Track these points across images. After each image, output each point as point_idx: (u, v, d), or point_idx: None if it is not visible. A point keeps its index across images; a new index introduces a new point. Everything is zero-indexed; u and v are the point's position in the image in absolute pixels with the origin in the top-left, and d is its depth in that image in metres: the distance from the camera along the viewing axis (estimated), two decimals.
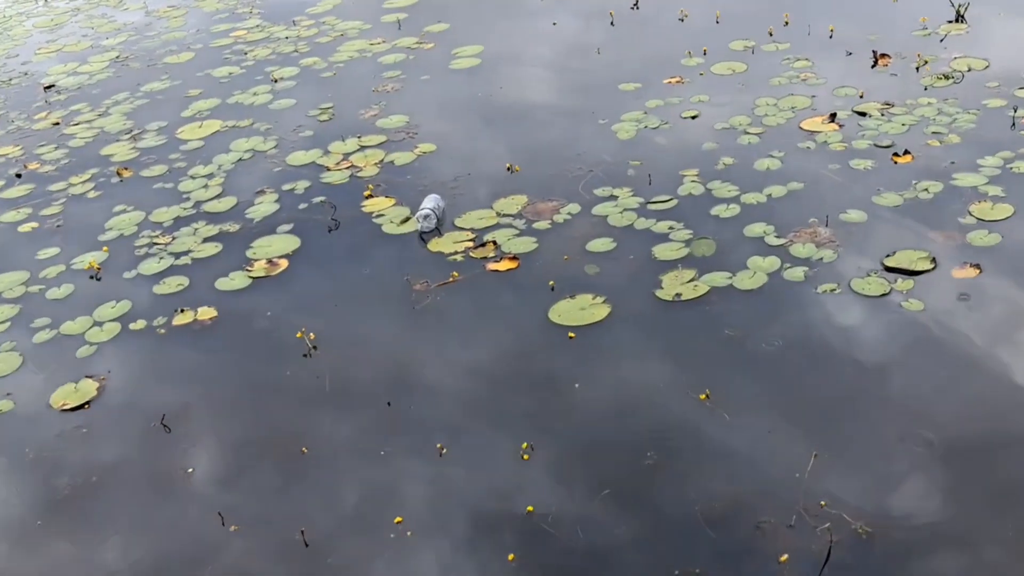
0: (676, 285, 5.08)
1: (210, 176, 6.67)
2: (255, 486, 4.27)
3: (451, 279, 5.34)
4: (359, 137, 6.91)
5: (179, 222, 6.20)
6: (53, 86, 8.40)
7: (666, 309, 4.95)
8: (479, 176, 6.34)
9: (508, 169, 6.32)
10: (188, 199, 6.42)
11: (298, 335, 4.97)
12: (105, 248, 5.97)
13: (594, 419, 4.38)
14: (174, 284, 5.57)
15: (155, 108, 7.83)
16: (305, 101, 7.61)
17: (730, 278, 5.07)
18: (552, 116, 6.96)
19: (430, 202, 5.89)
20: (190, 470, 4.32)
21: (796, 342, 4.64)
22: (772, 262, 5.12)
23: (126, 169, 6.88)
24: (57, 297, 5.61)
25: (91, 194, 6.67)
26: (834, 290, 4.88)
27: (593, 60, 7.78)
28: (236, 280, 5.56)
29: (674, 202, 5.79)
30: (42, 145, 7.42)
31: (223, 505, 4.16)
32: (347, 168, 6.58)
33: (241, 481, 4.31)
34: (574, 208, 5.82)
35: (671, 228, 5.52)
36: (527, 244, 5.56)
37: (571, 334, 4.84)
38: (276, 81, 7.96)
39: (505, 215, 5.86)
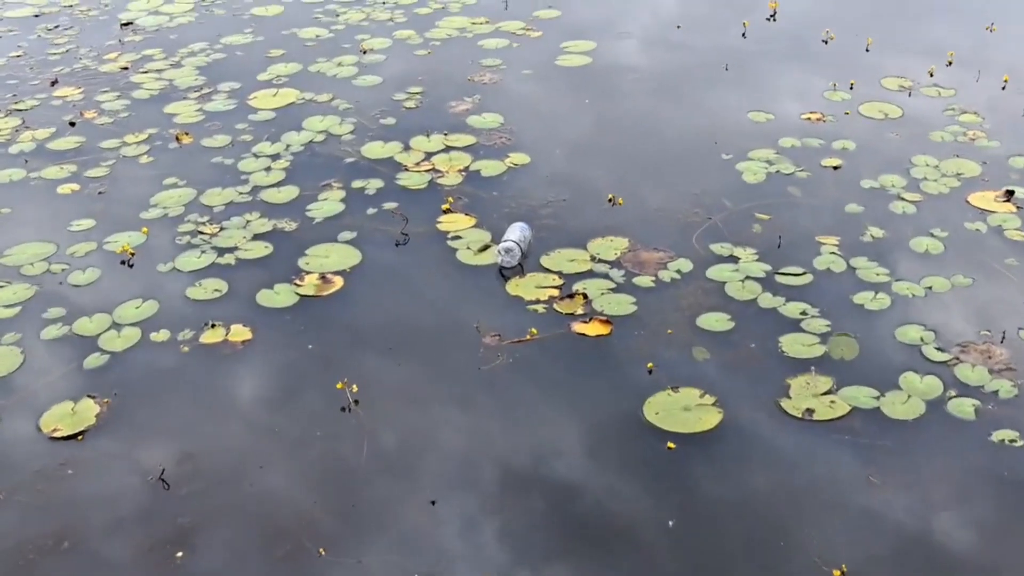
0: (807, 396, 3.96)
1: (275, 157, 5.67)
2: None
3: (528, 337, 4.29)
4: (445, 134, 5.85)
5: (231, 209, 5.22)
6: (131, 23, 7.45)
7: (792, 429, 3.82)
8: (576, 204, 5.24)
9: (610, 201, 5.22)
10: (246, 182, 5.42)
11: (339, 386, 4.05)
12: (144, 229, 5.01)
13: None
14: (211, 289, 4.61)
15: (231, 65, 6.83)
16: (392, 80, 6.56)
17: (878, 399, 3.91)
18: (667, 141, 5.79)
19: (515, 233, 4.81)
20: (179, 555, 3.40)
21: (965, 511, 3.47)
22: (932, 385, 3.95)
23: (186, 134, 5.94)
24: (79, 283, 4.66)
25: (144, 159, 5.72)
26: (1014, 441, 3.76)
27: (720, 77, 6.56)
28: (281, 295, 4.57)
29: (808, 277, 4.63)
30: (105, 91, 6.46)
31: None
32: (427, 171, 5.53)
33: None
34: (684, 265, 4.71)
35: (804, 314, 4.36)
36: (624, 304, 4.47)
37: (670, 444, 3.77)
38: (364, 52, 6.91)
39: (601, 260, 4.76)
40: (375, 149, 5.73)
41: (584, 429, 3.83)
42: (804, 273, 4.62)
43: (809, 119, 5.96)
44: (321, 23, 7.46)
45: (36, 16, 7.68)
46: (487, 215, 5.12)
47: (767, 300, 4.46)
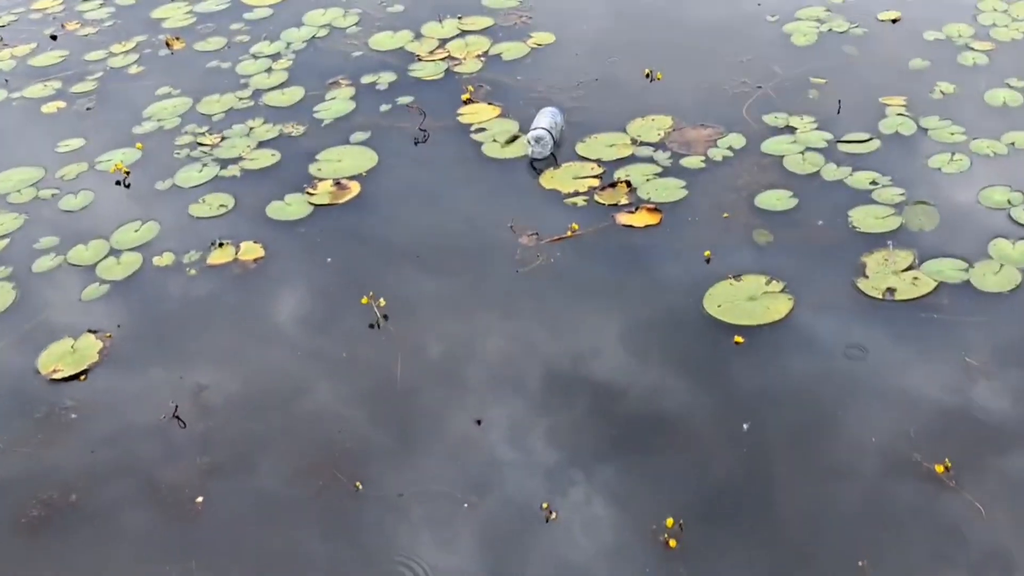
0: (886, 274, 3.48)
1: (276, 57, 5.12)
2: (286, 540, 2.86)
3: (569, 233, 3.82)
4: (460, 18, 5.25)
5: (232, 116, 4.70)
6: None
7: (873, 311, 3.35)
8: (610, 83, 4.68)
9: (648, 76, 4.66)
10: (246, 86, 4.88)
11: (363, 301, 3.64)
12: (139, 145, 4.52)
13: (774, 489, 2.84)
14: (215, 205, 4.15)
15: None
16: None
17: (966, 271, 3.44)
18: (705, 5, 5.17)
19: (545, 119, 4.27)
20: (199, 499, 3.03)
21: None
22: None
23: (177, 39, 5.40)
24: (71, 208, 4.21)
25: (133, 69, 5.19)
26: None
27: None
28: (293, 206, 4.10)
29: (875, 143, 4.08)
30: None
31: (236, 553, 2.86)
32: (443, 59, 4.98)
33: (269, 523, 2.92)
34: (736, 140, 4.17)
35: (874, 183, 3.85)
36: (672, 189, 3.97)
37: (738, 338, 3.32)
38: None
39: (643, 143, 4.23)
40: (384, 40, 5.17)
41: (638, 329, 3.37)
42: (870, 139, 4.08)
43: None
44: None
45: None
46: (512, 103, 4.57)
47: (831, 172, 3.93)
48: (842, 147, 4.05)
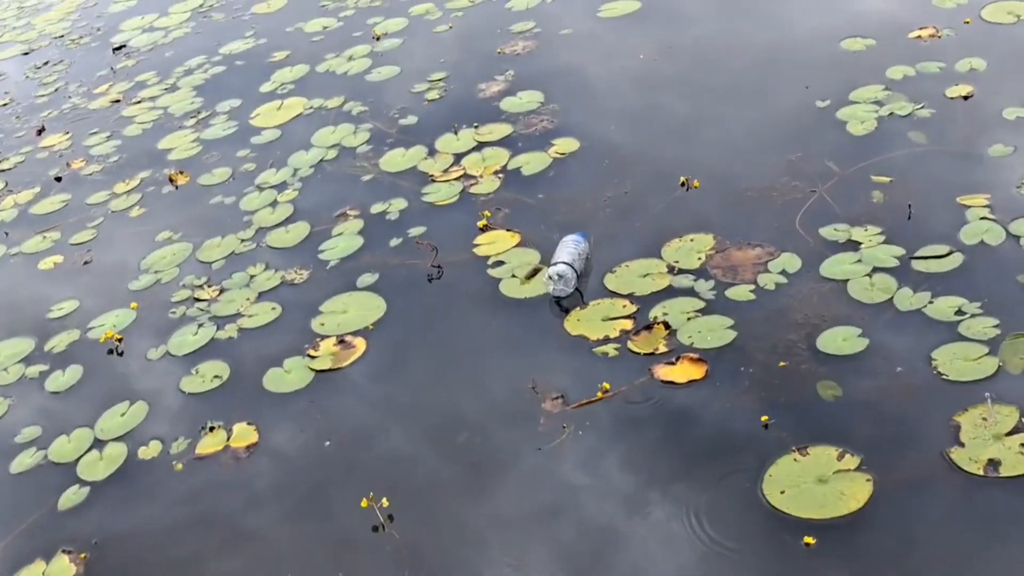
0: (986, 439, 2.84)
1: (282, 187, 4.72)
2: None
3: (600, 395, 3.30)
4: (476, 127, 4.78)
5: (232, 262, 4.29)
6: (123, 47, 6.58)
7: (974, 494, 2.72)
8: (641, 196, 4.12)
9: (683, 185, 4.13)
10: (249, 224, 4.47)
11: (363, 504, 3.16)
12: (134, 304, 4.14)
13: None
14: (209, 376, 3.70)
15: (231, 79, 5.86)
16: (411, 68, 5.52)
17: None
18: (745, 94, 4.55)
19: (567, 251, 3.71)
20: None
21: None
22: None
23: (181, 173, 5.07)
24: (58, 389, 3.79)
25: (135, 211, 4.84)
26: None
27: (796, 1, 5.37)
28: (292, 374, 3.63)
29: (957, 257, 3.44)
30: (94, 133, 5.61)
31: None
32: (458, 178, 4.50)
33: None
34: (790, 262, 3.58)
35: (960, 313, 3.20)
36: (718, 330, 3.37)
37: (808, 539, 2.69)
38: (378, 39, 5.89)
39: (682, 270, 3.69)
40: (395, 159, 4.74)
41: (683, 533, 2.80)
42: (950, 252, 3.44)
43: (919, 37, 4.67)
44: (328, 11, 6.44)
45: (25, 54, 6.91)
46: (533, 227, 4.07)
47: (906, 299, 3.31)
48: (917, 265, 3.43)
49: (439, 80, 5.27)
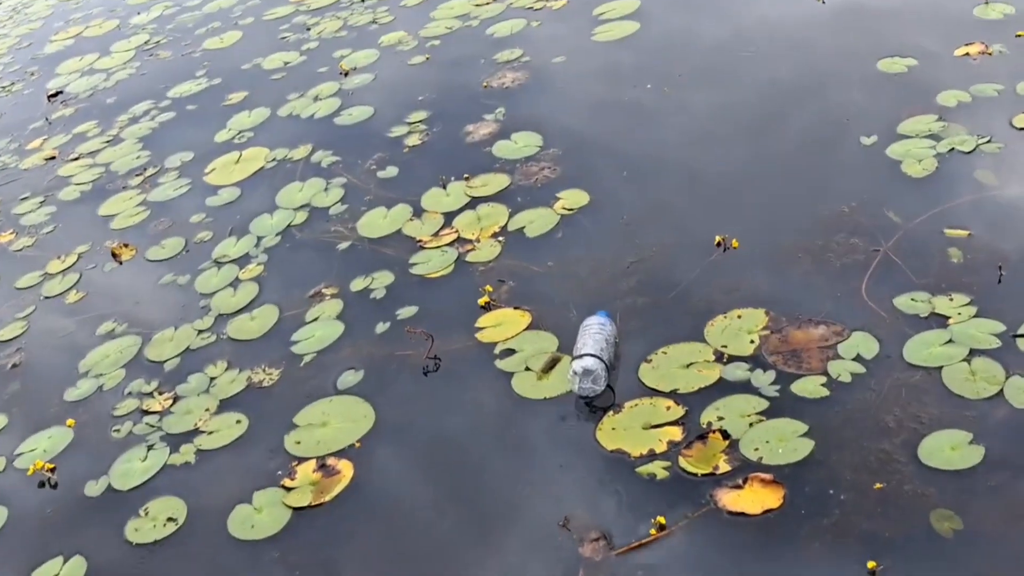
0: None
1: (244, 261, 3.97)
2: None
3: (653, 534, 2.65)
4: (467, 179, 4.08)
5: (188, 360, 3.53)
6: (59, 93, 5.78)
7: None
8: (670, 259, 3.41)
9: (719, 245, 3.48)
10: (207, 310, 3.74)
11: None
12: (70, 421, 3.37)
13: None
14: (162, 520, 2.91)
15: (181, 127, 5.10)
16: (387, 108, 4.77)
17: None
18: (776, 130, 3.86)
19: (591, 339, 2.98)
20: None
21: None
22: None
23: (126, 247, 4.28)
24: None
25: (71, 295, 4.04)
26: None
27: (822, 17, 4.59)
28: (263, 513, 2.86)
29: None
30: (24, 198, 4.83)
31: None
32: (451, 242, 3.83)
33: None
34: (864, 344, 2.88)
35: None
36: (791, 440, 2.65)
37: None
38: (346, 74, 5.18)
39: (732, 357, 3.03)
40: (376, 222, 4.00)
41: None
42: None
43: (967, 55, 4.04)
44: (288, 44, 5.72)
45: None
46: (545, 303, 3.38)
47: (1020, 393, 2.65)
48: (1022, 345, 2.86)
49: (419, 122, 4.55)
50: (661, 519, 2.55)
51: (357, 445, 3.01)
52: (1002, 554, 2.34)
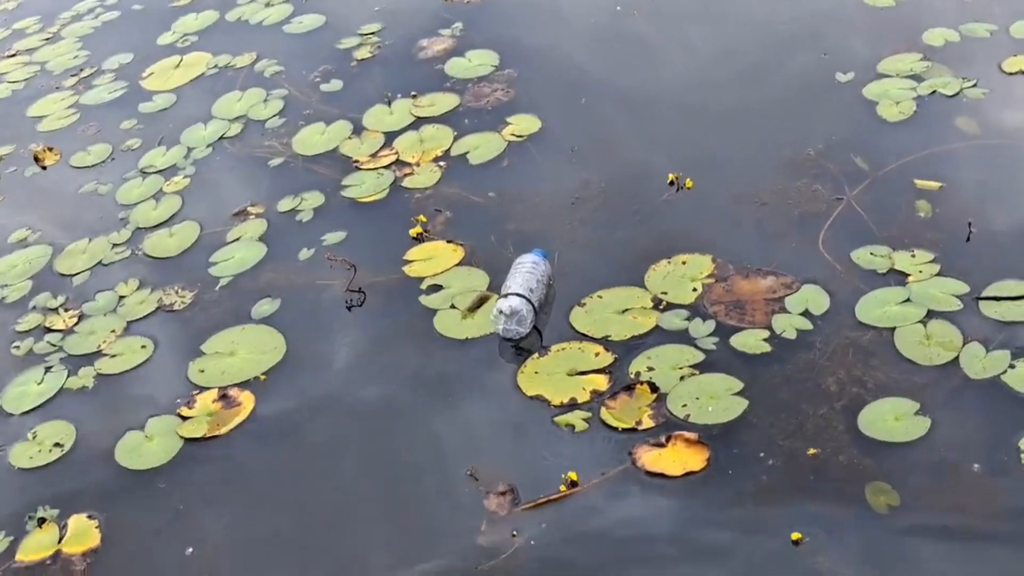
0: None
1: (171, 172, 3.64)
2: None
3: (563, 490, 2.35)
4: (414, 97, 3.72)
5: (98, 276, 3.21)
6: None
7: None
8: (619, 197, 3.08)
9: (672, 184, 3.17)
10: (125, 222, 3.43)
11: None
12: None
13: None
14: (49, 444, 2.66)
15: (125, 28, 4.65)
16: (340, 18, 4.33)
17: None
18: (748, 63, 3.51)
19: (521, 278, 2.71)
20: None
21: None
22: None
23: (50, 150, 3.94)
24: None
25: None
26: None
27: None
28: (155, 443, 2.62)
29: None
30: None
31: None
32: (389, 165, 3.47)
33: None
34: (815, 299, 2.59)
35: None
36: (723, 398, 2.40)
37: None
38: None
39: (671, 304, 2.72)
40: (313, 138, 3.65)
41: None
42: None
43: None
44: None
45: None
46: (481, 238, 3.06)
47: (977, 361, 2.38)
48: (987, 308, 2.53)
49: (372, 34, 4.18)
50: (573, 475, 2.32)
51: (263, 378, 2.75)
52: (936, 534, 2.13)
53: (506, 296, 2.70)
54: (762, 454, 2.29)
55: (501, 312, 2.69)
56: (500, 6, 4.18)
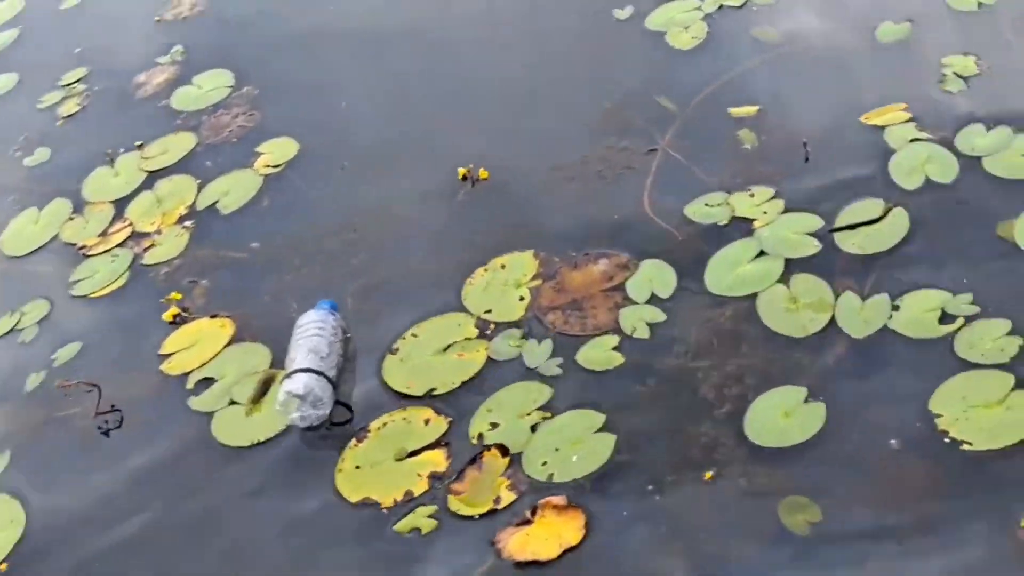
0: None
1: None
2: None
3: None
4: (140, 147, 2.93)
5: None
6: None
7: None
8: (406, 207, 2.50)
9: (465, 179, 2.57)
10: None
11: None
12: None
13: None
14: None
15: None
16: (35, 70, 3.42)
17: None
18: (513, 26, 2.93)
19: (307, 347, 2.08)
20: None
21: None
22: None
23: None
24: None
25: None
26: None
27: None
28: None
29: (900, 217, 2.09)
30: None
31: None
32: (123, 241, 2.67)
33: None
34: (658, 275, 2.10)
35: (945, 316, 1.86)
36: (586, 440, 1.86)
37: None
38: None
39: (500, 325, 2.15)
40: (25, 231, 2.77)
41: None
42: (888, 210, 2.12)
43: None
44: None
45: None
46: (250, 303, 2.37)
47: (855, 314, 1.93)
48: (845, 242, 2.11)
49: (76, 82, 3.32)
50: None
51: (2, 568, 2.08)
52: (873, 538, 1.70)
53: (290, 376, 2.09)
54: (650, 498, 1.83)
55: (289, 396, 2.08)
56: (220, 15, 3.44)
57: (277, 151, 2.79)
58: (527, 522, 1.80)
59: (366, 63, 3.01)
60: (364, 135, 2.76)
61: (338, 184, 2.64)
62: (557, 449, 1.89)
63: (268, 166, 2.76)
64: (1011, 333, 1.80)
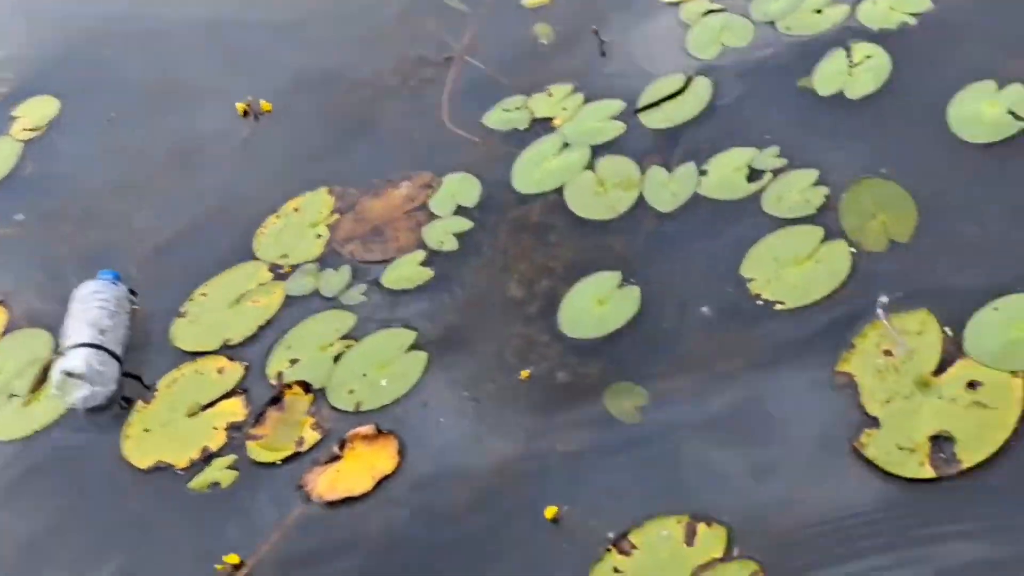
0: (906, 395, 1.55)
1: None
2: None
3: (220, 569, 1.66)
4: None
5: None
6: None
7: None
8: (184, 154, 2.22)
9: (247, 114, 2.22)
10: None
11: None
12: None
13: None
14: None
15: None
16: None
17: None
18: None
19: (86, 320, 1.81)
20: None
21: None
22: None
23: None
24: None
25: None
26: None
27: None
28: None
29: (703, 86, 1.97)
30: None
31: None
32: None
33: None
34: (462, 189, 1.92)
35: (753, 173, 1.76)
36: (396, 360, 1.69)
37: None
38: None
39: (294, 265, 1.95)
40: None
41: None
42: (688, 81, 2.01)
43: None
44: None
45: None
46: (22, 282, 2.06)
47: (663, 190, 1.81)
48: (650, 121, 1.97)
49: None
50: (233, 558, 1.59)
51: None
52: (706, 413, 1.61)
53: (64, 354, 1.83)
54: (464, 408, 1.68)
55: (66, 376, 1.82)
56: None
57: (36, 112, 2.47)
58: (336, 458, 1.62)
59: (123, 7, 2.72)
60: (130, 83, 2.46)
61: (108, 138, 2.36)
62: (365, 375, 1.71)
63: (27, 129, 2.45)
64: (818, 184, 1.74)
